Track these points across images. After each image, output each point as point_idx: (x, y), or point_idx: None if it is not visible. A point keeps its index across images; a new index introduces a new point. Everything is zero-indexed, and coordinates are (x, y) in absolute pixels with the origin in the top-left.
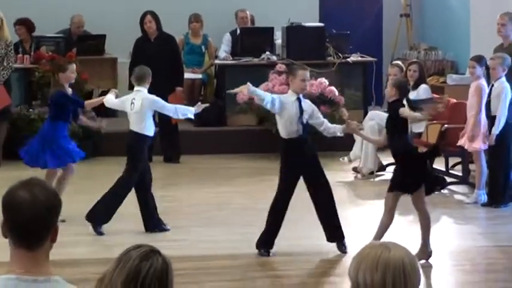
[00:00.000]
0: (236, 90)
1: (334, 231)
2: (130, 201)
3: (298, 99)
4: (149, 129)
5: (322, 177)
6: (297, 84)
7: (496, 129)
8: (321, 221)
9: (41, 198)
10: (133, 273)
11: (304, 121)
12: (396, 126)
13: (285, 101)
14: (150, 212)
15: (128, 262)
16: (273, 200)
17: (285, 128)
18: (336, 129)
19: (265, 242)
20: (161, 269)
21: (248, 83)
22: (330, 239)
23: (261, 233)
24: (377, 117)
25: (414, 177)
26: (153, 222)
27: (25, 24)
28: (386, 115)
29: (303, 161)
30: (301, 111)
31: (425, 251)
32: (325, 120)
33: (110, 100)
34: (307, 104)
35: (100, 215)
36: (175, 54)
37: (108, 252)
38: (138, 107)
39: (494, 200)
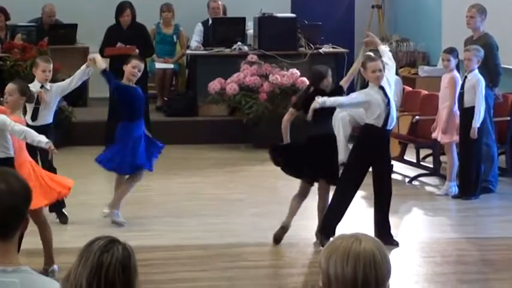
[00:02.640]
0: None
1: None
2: (100, 191)
3: (381, 88)
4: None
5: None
6: (370, 76)
7: (476, 122)
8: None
9: (18, 189)
10: (96, 266)
11: (392, 111)
12: None
13: (370, 92)
14: None
15: (90, 256)
16: (340, 185)
17: (372, 117)
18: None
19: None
20: (123, 257)
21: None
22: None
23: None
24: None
25: None
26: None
27: (3, 12)
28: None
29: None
30: (388, 99)
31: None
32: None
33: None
34: (387, 88)
35: None
36: (148, 43)
37: (75, 242)
38: None
39: (465, 191)
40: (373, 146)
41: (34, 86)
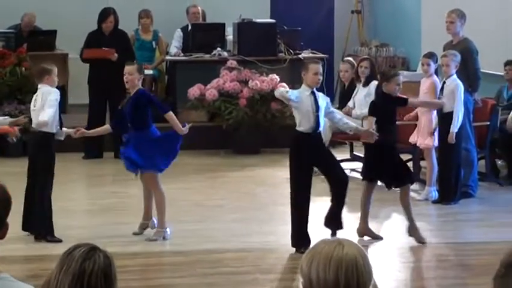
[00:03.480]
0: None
1: (333, 220)
2: (79, 197)
3: (313, 93)
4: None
5: (338, 167)
6: (310, 77)
7: (455, 127)
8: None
9: None
10: (78, 274)
11: (320, 116)
12: None
13: (301, 95)
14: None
15: (72, 264)
16: (291, 198)
17: (301, 122)
18: (349, 126)
19: (302, 238)
20: (104, 265)
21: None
22: (326, 224)
23: (292, 233)
24: None
25: None
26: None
27: None
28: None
29: (315, 153)
30: (318, 106)
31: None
32: (339, 112)
33: None
34: (321, 98)
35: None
36: (129, 50)
37: (55, 249)
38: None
39: (445, 196)
40: (306, 152)
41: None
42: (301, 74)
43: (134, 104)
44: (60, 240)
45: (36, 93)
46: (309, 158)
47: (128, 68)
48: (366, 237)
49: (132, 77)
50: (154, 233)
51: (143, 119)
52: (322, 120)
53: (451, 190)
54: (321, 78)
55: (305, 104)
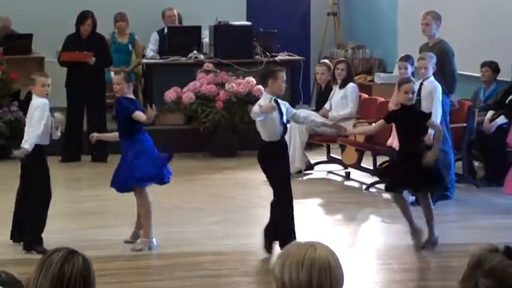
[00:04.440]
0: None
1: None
2: (56, 201)
3: (276, 101)
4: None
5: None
6: (279, 85)
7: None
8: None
9: None
10: (57, 277)
11: (285, 122)
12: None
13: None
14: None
15: (50, 267)
16: (276, 202)
17: (267, 131)
18: (316, 123)
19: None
20: (83, 268)
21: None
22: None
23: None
24: None
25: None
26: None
27: None
28: (314, 113)
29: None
30: (281, 112)
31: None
32: (303, 111)
33: None
34: (281, 103)
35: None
36: (106, 54)
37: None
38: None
39: None
40: (280, 157)
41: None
42: (269, 80)
43: (116, 113)
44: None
45: None
46: (283, 162)
47: (115, 78)
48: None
49: (120, 87)
50: (139, 243)
51: (127, 127)
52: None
53: None
54: (284, 86)
55: (273, 113)
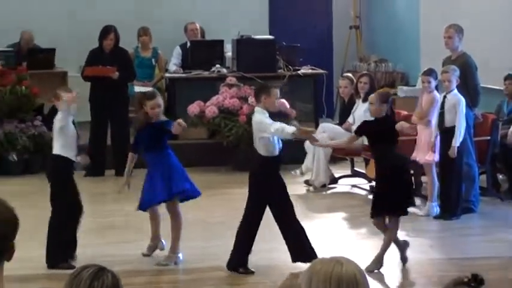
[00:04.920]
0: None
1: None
2: (85, 215)
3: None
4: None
5: (288, 199)
6: (272, 102)
7: (457, 142)
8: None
9: (6, 217)
10: None
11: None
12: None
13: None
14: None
15: (80, 284)
16: (244, 219)
17: (266, 146)
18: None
19: (241, 260)
20: (113, 284)
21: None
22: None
23: (232, 253)
24: (328, 129)
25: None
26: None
27: None
28: (337, 127)
29: (276, 182)
30: None
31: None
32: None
33: None
34: None
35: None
36: (129, 68)
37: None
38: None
39: (446, 212)
40: (275, 175)
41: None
42: (262, 96)
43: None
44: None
45: None
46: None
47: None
48: None
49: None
50: (165, 258)
51: (157, 142)
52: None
53: (453, 205)
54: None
55: None
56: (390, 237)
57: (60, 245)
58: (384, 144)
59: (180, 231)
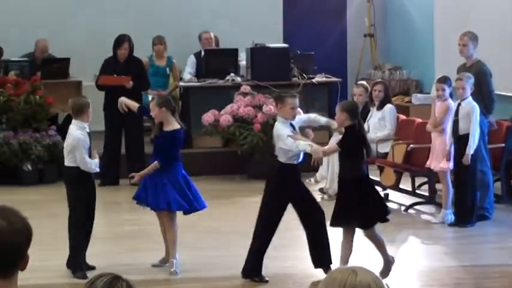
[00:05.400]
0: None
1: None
2: (95, 225)
3: (291, 125)
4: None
5: (313, 202)
6: (286, 111)
7: (470, 149)
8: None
9: (19, 227)
10: None
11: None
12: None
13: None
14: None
15: None
16: (260, 222)
17: (285, 154)
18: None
19: (256, 268)
20: None
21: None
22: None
23: (247, 260)
24: None
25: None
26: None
27: None
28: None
29: (295, 187)
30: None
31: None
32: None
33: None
34: (295, 124)
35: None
36: (143, 78)
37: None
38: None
39: (462, 219)
40: (290, 184)
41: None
42: (278, 105)
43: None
44: (85, 277)
45: None
46: (289, 192)
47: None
48: None
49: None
50: (170, 265)
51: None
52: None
53: (467, 213)
54: (297, 112)
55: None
56: (377, 246)
57: (77, 253)
58: (345, 155)
59: (174, 239)
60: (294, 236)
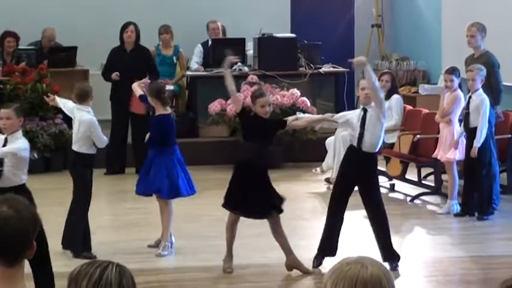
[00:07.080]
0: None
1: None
2: (100, 213)
3: (364, 110)
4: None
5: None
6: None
7: (478, 142)
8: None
9: (26, 215)
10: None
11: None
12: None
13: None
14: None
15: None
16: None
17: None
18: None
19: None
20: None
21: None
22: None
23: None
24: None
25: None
26: None
27: (14, 37)
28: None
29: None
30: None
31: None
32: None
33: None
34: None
35: (72, 240)
36: (152, 67)
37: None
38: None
39: (483, 211)
40: (352, 165)
41: None
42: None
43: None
44: (94, 257)
45: None
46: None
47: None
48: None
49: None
50: (161, 248)
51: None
52: None
53: (485, 204)
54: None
55: (351, 116)
56: (278, 241)
57: (80, 235)
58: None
59: (168, 222)
60: (298, 226)
